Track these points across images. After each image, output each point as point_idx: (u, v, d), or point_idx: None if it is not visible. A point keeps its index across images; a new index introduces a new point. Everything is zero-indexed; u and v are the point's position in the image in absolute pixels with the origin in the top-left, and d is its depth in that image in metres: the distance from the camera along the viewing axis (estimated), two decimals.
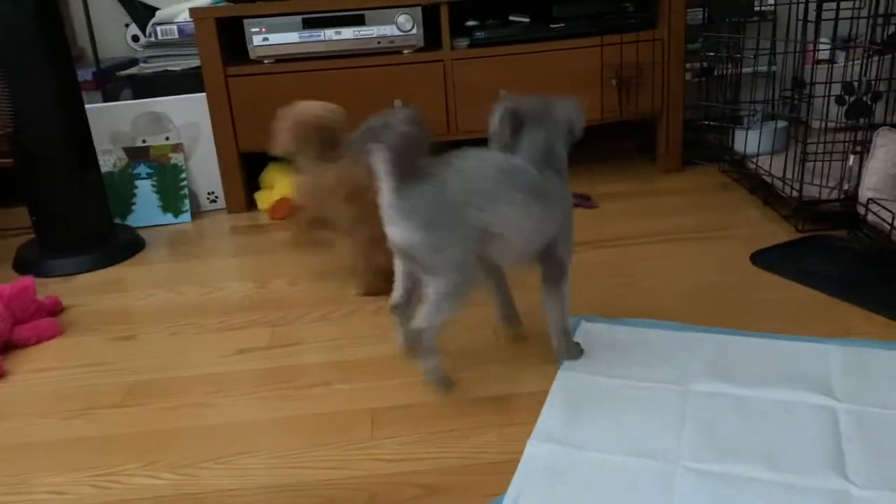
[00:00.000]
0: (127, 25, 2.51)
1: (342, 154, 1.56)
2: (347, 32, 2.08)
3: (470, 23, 2.15)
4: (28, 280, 1.58)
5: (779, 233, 1.79)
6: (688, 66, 2.25)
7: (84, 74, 2.28)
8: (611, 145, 2.60)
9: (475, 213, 1.11)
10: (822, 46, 2.17)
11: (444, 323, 1.15)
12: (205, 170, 2.20)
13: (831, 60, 1.99)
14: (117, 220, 2.11)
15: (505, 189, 1.13)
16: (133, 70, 2.31)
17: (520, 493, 0.99)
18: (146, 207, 2.16)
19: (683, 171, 2.29)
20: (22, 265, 1.90)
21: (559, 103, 1.24)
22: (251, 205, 2.24)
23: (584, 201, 2.07)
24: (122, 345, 1.49)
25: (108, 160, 2.14)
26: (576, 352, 1.30)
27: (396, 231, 1.12)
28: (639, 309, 1.47)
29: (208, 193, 2.24)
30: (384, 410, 1.21)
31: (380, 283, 1.56)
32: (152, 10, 2.37)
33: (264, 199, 2.22)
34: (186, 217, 2.18)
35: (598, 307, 1.48)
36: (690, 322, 1.39)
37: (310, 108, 1.61)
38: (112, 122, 2.15)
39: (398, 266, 1.21)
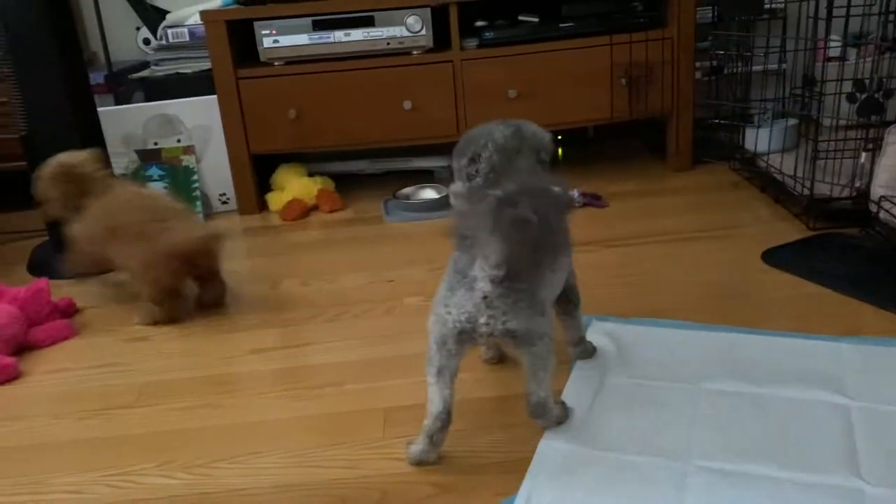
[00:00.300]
0: (138, 28, 2.53)
1: (94, 199, 1.62)
2: (357, 34, 2.09)
3: (479, 23, 2.15)
4: (42, 282, 1.60)
5: (790, 231, 1.78)
6: (697, 64, 2.25)
7: (96, 77, 2.30)
8: (620, 144, 2.60)
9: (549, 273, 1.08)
10: (832, 44, 2.16)
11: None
12: (216, 172, 2.21)
13: (842, 57, 1.99)
14: None
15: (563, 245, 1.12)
16: (144, 73, 2.33)
17: (532, 492, 0.99)
18: None
19: (694, 169, 2.29)
20: (36, 267, 1.91)
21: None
22: (263, 206, 2.25)
23: (594, 201, 2.07)
24: (136, 346, 1.50)
25: (121, 162, 2.15)
26: (589, 351, 1.30)
27: (497, 323, 1.00)
28: (650, 308, 1.47)
29: (220, 195, 2.25)
30: (396, 410, 1.22)
31: (166, 310, 1.59)
32: (163, 14, 2.39)
33: (276, 200, 2.23)
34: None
35: (609, 306, 1.48)
36: (702, 321, 1.39)
37: (62, 159, 1.66)
38: (124, 125, 2.17)
39: (436, 385, 1.05)
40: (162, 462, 1.14)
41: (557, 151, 2.64)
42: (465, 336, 1.02)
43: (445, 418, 1.05)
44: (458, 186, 1.15)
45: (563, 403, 1.15)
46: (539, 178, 1.09)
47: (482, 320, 1.00)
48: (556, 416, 1.12)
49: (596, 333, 1.36)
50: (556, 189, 1.00)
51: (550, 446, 1.07)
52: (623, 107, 2.18)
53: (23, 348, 1.50)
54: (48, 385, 1.39)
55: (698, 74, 2.28)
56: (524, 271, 0.99)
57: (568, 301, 1.24)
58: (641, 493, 0.98)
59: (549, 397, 1.08)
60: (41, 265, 1.90)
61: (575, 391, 1.20)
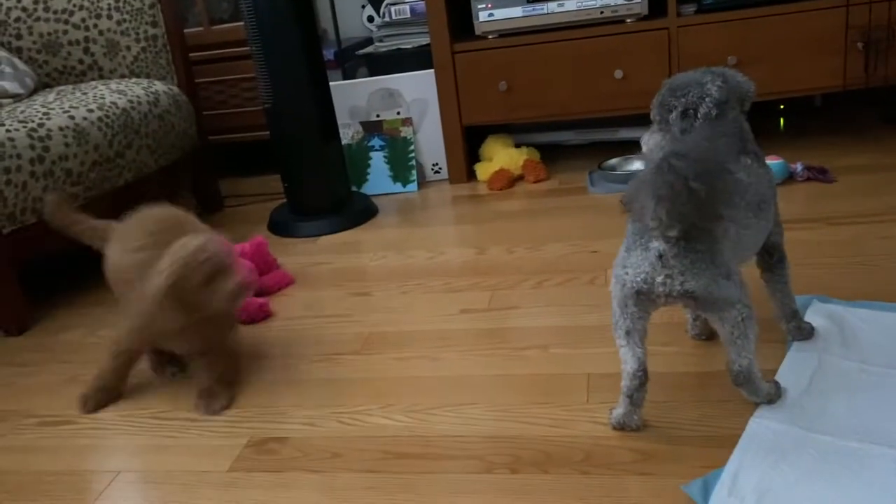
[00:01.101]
0: (363, 6, 2.71)
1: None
2: (570, 3, 2.10)
3: None
4: (259, 238, 1.79)
5: None
6: None
7: (327, 54, 2.50)
8: (852, 115, 2.39)
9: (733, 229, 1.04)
10: None
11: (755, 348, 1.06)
12: (430, 142, 2.34)
13: None
14: (354, 188, 2.31)
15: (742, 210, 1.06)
16: (369, 49, 2.50)
17: (740, 468, 0.98)
18: (379, 177, 2.35)
19: None
20: (275, 226, 2.15)
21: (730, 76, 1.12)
22: (472, 176, 2.35)
23: (819, 175, 1.94)
24: (360, 300, 1.65)
25: (347, 133, 2.34)
26: (806, 331, 1.24)
27: (675, 283, 0.99)
28: (877, 291, 1.36)
29: (433, 165, 2.38)
30: (600, 377, 1.25)
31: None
32: None
33: (484, 170, 2.31)
34: (413, 187, 2.33)
35: (832, 288, 1.40)
36: None
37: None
38: (350, 99, 2.35)
39: (627, 346, 1.06)
40: (385, 405, 1.26)
41: (779, 121, 2.48)
42: (643, 297, 1.02)
43: (642, 376, 1.06)
44: (654, 139, 1.13)
45: (775, 382, 1.12)
46: (712, 140, 1.05)
47: (658, 280, 0.99)
48: (765, 392, 1.09)
49: (816, 314, 1.29)
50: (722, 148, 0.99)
51: (762, 424, 1.05)
52: (858, 73, 2.00)
53: (257, 294, 1.69)
54: (289, 329, 1.57)
55: None
56: (697, 231, 0.97)
57: (770, 256, 1.18)
58: (858, 480, 0.93)
59: (753, 366, 1.05)
60: (279, 224, 2.13)
61: (791, 371, 1.16)
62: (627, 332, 1.05)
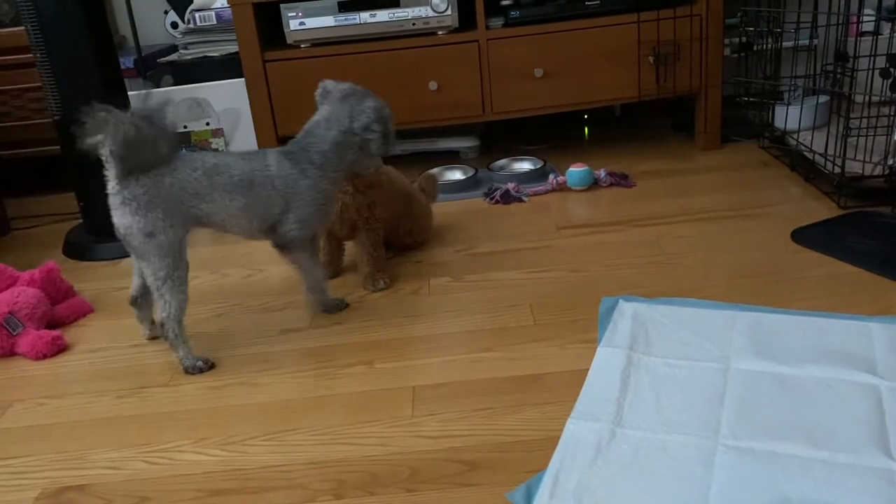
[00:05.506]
0: (166, 12, 2.55)
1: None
2: (382, 15, 2.09)
3: (505, 2, 2.14)
4: (50, 263, 1.63)
5: (820, 210, 1.76)
6: (726, 41, 2.22)
7: (125, 62, 2.33)
8: (648, 124, 2.58)
9: (185, 207, 1.29)
10: (866, 18, 2.12)
11: (178, 310, 1.31)
12: None
13: (876, 32, 1.95)
14: None
15: (205, 188, 1.31)
16: (173, 56, 2.36)
17: (560, 470, 1.00)
18: None
19: (722, 148, 2.26)
20: (71, 249, 1.95)
21: (356, 95, 1.44)
22: None
23: (621, 180, 2.06)
24: None
25: None
26: (332, 302, 1.51)
27: (115, 217, 1.28)
28: (678, 288, 1.47)
29: None
30: (425, 389, 1.23)
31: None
32: None
33: None
34: None
35: (637, 286, 1.48)
36: (731, 300, 1.39)
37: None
38: None
39: (133, 261, 1.35)
40: (197, 439, 1.17)
41: (584, 130, 2.62)
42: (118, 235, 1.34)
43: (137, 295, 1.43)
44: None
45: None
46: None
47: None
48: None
49: (623, 314, 1.36)
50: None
51: (579, 424, 1.09)
52: (650, 85, 2.16)
53: (51, 326, 1.54)
54: (89, 363, 1.42)
55: (727, 51, 2.25)
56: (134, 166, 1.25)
57: (280, 240, 1.42)
58: (670, 471, 0.99)
59: (171, 320, 1.31)
60: (76, 248, 1.94)
61: (601, 370, 1.21)
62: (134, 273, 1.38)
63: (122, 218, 1.28)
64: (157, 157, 1.27)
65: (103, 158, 1.25)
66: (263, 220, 1.38)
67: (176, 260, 1.30)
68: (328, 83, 1.47)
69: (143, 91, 1.31)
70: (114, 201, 1.28)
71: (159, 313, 1.32)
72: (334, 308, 1.52)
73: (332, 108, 1.43)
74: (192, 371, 1.35)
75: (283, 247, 1.43)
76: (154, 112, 1.25)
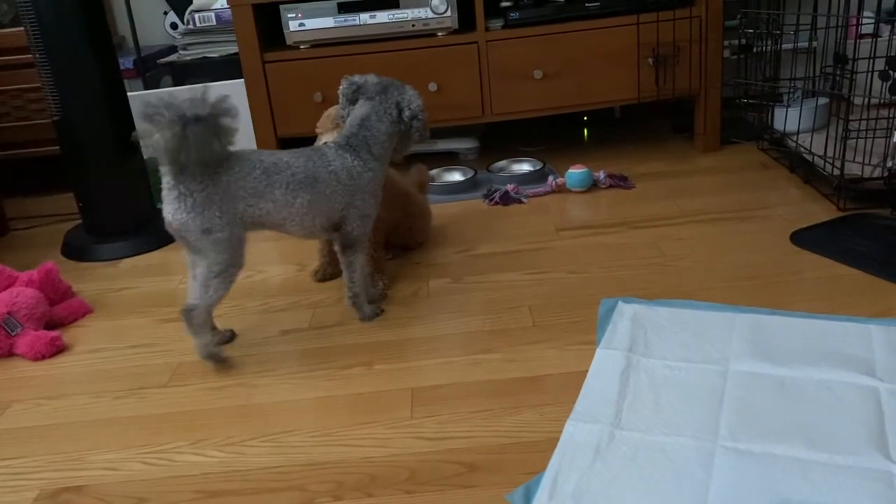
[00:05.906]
0: (166, 13, 2.55)
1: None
2: (382, 16, 2.09)
3: (504, 3, 2.14)
4: (49, 263, 1.63)
5: (819, 212, 1.76)
6: (726, 43, 2.22)
7: (125, 62, 2.32)
8: (647, 125, 2.58)
9: (242, 206, 1.28)
10: (865, 20, 2.12)
11: (215, 301, 1.29)
12: None
13: (875, 34, 1.95)
14: (160, 206, 2.15)
15: (264, 187, 1.29)
16: (172, 57, 2.35)
17: (559, 472, 1.00)
18: None
19: (722, 150, 2.26)
20: (70, 250, 1.95)
21: (395, 87, 1.42)
22: None
23: (620, 182, 2.06)
24: (169, 327, 1.53)
25: None
26: (369, 313, 1.48)
27: (168, 212, 1.26)
28: (677, 289, 1.47)
29: None
30: (424, 390, 1.23)
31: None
32: None
33: None
34: None
35: (636, 288, 1.48)
36: (730, 302, 1.39)
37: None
38: None
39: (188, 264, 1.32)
40: (196, 440, 1.16)
41: (584, 132, 2.62)
42: (174, 232, 1.29)
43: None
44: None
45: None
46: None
47: (174, 215, 1.26)
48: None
49: (622, 316, 1.36)
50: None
51: (578, 426, 1.08)
52: (650, 87, 2.16)
53: (49, 327, 1.54)
54: (87, 364, 1.42)
55: (727, 53, 2.25)
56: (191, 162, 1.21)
57: (344, 238, 1.41)
58: (668, 473, 0.98)
59: (198, 308, 1.29)
60: (75, 248, 1.94)
61: (600, 372, 1.21)
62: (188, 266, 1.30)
63: (176, 213, 1.24)
64: (212, 156, 1.23)
65: (157, 157, 1.21)
66: (327, 216, 1.37)
67: (233, 257, 1.28)
68: (355, 77, 1.44)
69: (200, 86, 1.25)
70: (168, 196, 1.25)
71: (192, 297, 1.29)
72: (372, 315, 1.49)
73: (375, 101, 1.41)
74: (210, 358, 1.34)
75: (348, 246, 1.42)
76: (209, 113, 1.19)
